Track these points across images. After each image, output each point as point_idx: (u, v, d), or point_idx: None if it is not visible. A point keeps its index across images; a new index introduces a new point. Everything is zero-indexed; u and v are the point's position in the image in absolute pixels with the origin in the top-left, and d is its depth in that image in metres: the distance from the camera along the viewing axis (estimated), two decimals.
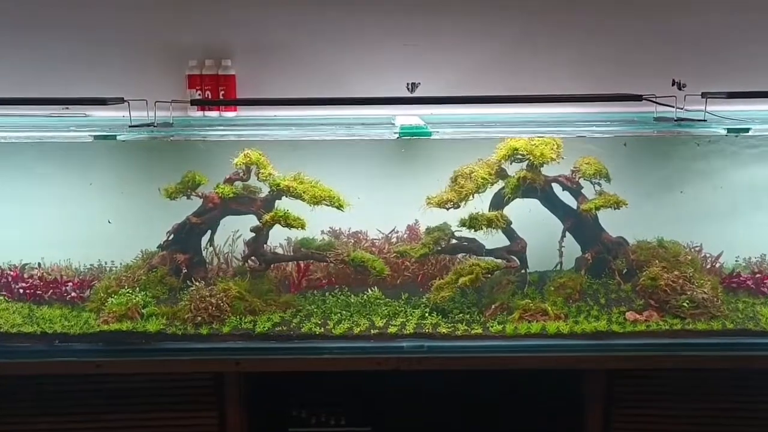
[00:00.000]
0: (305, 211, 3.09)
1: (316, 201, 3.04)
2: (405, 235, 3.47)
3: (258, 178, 3.15)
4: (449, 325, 2.94)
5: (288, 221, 3.00)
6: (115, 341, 2.86)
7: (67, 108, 3.42)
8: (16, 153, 3.26)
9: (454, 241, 3.19)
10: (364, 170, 3.46)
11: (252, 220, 3.21)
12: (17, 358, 2.82)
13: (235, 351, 2.86)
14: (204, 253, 3.26)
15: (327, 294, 3.24)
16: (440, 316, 3.01)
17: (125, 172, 3.43)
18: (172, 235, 3.20)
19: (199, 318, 2.92)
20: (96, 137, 2.86)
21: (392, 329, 2.91)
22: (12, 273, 3.15)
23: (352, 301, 3.17)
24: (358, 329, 2.92)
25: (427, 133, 2.76)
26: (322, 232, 3.42)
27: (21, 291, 3.09)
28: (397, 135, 2.78)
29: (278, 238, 3.38)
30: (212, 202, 3.18)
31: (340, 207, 3.07)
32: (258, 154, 3.14)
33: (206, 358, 2.85)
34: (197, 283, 3.04)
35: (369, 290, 3.22)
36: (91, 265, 3.42)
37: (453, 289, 3.00)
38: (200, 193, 3.19)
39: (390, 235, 3.45)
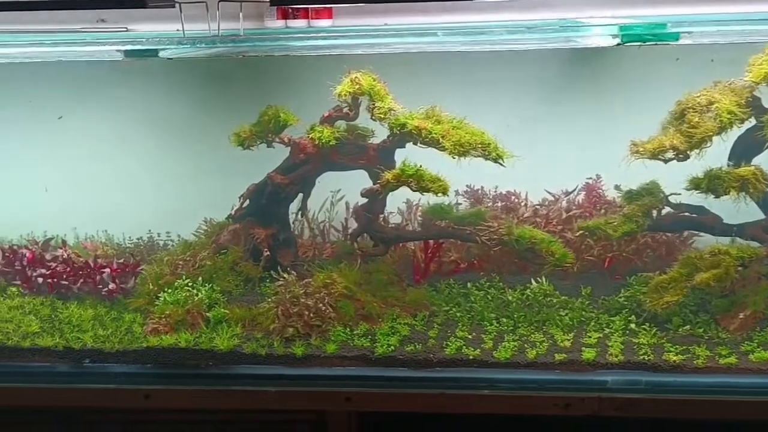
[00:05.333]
0: (436, 165, 2.05)
1: (462, 150, 1.98)
2: (580, 199, 2.38)
3: (372, 115, 2.10)
4: (678, 348, 1.87)
5: (422, 183, 1.95)
6: (170, 362, 1.95)
7: (103, 20, 2.45)
8: (23, 80, 2.34)
9: (667, 210, 2.09)
10: (516, 100, 2.41)
11: (360, 179, 2.19)
12: (32, 382, 1.96)
13: (346, 380, 1.90)
14: (293, 227, 2.28)
15: (469, 285, 2.22)
16: (655, 330, 1.95)
17: (178, 108, 2.48)
18: (247, 201, 2.22)
19: (291, 329, 1.96)
20: (128, 53, 1.87)
21: (588, 353, 1.87)
22: (28, 253, 2.24)
23: (510, 299, 2.14)
24: (534, 351, 1.89)
25: (673, 36, 1.62)
26: (457, 193, 2.38)
27: (41, 280, 2.20)
28: (617, 40, 1.65)
29: (394, 201, 2.37)
30: (305, 152, 2.16)
31: (497, 159, 2.01)
32: (371, 79, 2.09)
33: (301, 390, 1.91)
34: (287, 275, 2.07)
35: (533, 281, 2.18)
36: (138, 239, 2.51)
37: (684, 290, 1.91)
38: (287, 139, 2.18)
39: (560, 198, 2.37)
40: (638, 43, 1.66)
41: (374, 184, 2.17)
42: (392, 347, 1.92)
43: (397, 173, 1.98)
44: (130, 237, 2.53)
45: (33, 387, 1.94)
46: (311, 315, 1.97)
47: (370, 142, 2.22)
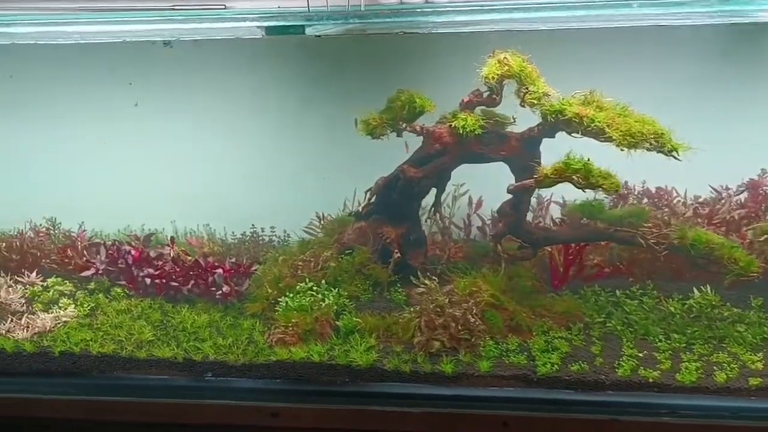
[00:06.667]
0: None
1: (632, 141, 1.72)
2: (742, 198, 2.11)
3: (522, 100, 1.85)
4: None
5: (591, 179, 1.70)
6: (301, 377, 1.74)
7: None
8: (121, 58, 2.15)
9: None
10: (661, 80, 2.13)
11: (500, 174, 1.95)
12: (149, 396, 1.76)
13: (502, 402, 1.67)
14: (424, 226, 2.05)
15: (618, 293, 1.97)
16: None
17: (294, 89, 2.27)
18: (374, 197, 2.00)
19: (437, 343, 1.73)
20: (270, 30, 1.63)
21: None
22: (134, 251, 2.05)
23: (673, 310, 1.88)
24: (724, 375, 1.64)
25: None
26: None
27: (148, 281, 2.00)
28: None
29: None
30: (440, 141, 1.92)
31: (671, 152, 1.75)
32: (520, 60, 1.84)
33: (450, 412, 1.68)
34: (428, 282, 1.84)
35: (695, 290, 1.92)
36: (242, 234, 2.31)
37: None
38: (419, 128, 1.95)
39: (722, 196, 2.11)
40: None
41: (517, 178, 1.94)
42: (555, 366, 1.69)
43: (560, 167, 1.73)
44: (232, 232, 2.34)
45: (150, 403, 1.74)
46: (459, 327, 1.75)
47: (510, 131, 1.99)
